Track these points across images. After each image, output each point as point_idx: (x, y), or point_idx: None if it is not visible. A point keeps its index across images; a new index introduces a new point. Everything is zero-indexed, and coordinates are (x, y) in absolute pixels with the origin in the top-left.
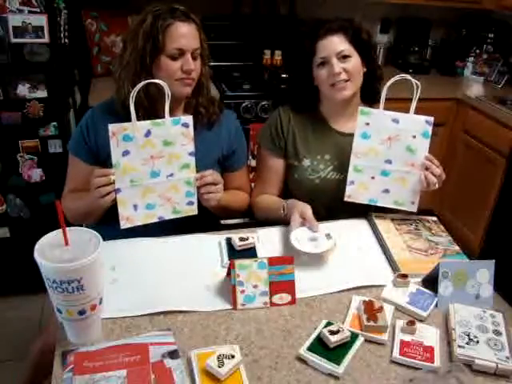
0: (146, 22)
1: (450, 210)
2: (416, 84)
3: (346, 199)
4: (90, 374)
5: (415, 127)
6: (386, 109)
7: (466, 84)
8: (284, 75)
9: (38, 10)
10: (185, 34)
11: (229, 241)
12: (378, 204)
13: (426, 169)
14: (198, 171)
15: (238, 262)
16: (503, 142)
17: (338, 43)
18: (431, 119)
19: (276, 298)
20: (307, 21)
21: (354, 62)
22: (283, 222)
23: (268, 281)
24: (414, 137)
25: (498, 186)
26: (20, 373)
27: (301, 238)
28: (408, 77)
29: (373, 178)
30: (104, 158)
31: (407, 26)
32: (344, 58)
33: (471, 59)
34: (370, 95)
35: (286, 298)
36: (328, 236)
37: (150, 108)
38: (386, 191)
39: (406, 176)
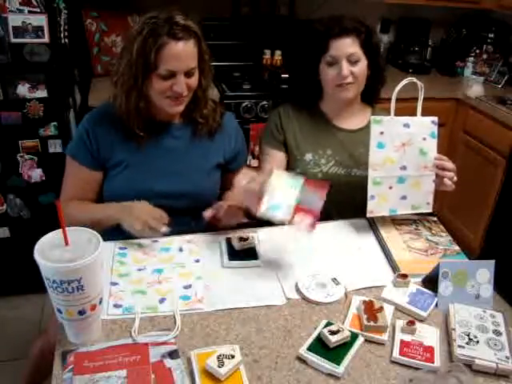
0: (140, 36)
1: (450, 210)
2: (421, 86)
3: (368, 215)
4: (90, 374)
5: (424, 129)
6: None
7: (466, 84)
8: (284, 75)
9: (38, 10)
10: (178, 55)
11: (229, 241)
12: (398, 213)
13: (438, 168)
14: (196, 178)
15: (276, 172)
16: (503, 141)
17: (350, 46)
18: (436, 119)
19: (297, 219)
20: (321, 18)
21: (362, 66)
22: None
23: (296, 200)
24: (424, 139)
25: (498, 186)
26: (20, 373)
27: (308, 285)
28: (414, 79)
29: (390, 187)
30: (103, 162)
31: (407, 25)
32: (354, 61)
33: (471, 59)
34: (370, 96)
35: (307, 220)
36: (335, 281)
37: (147, 117)
38: (404, 198)
39: (420, 179)
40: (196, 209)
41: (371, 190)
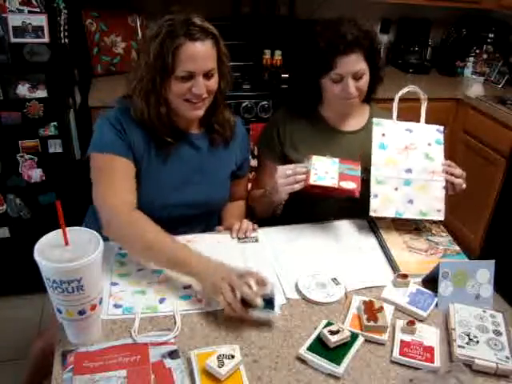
0: (157, 38)
1: (450, 210)
2: (424, 96)
3: (371, 214)
4: (90, 374)
5: (428, 135)
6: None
7: (466, 84)
8: (284, 75)
9: (38, 10)
10: (195, 56)
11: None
12: (404, 216)
13: (446, 173)
14: (211, 188)
15: (315, 156)
16: (503, 142)
17: (355, 63)
18: (441, 128)
19: (343, 183)
20: (323, 28)
21: (366, 78)
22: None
23: (338, 171)
24: (430, 144)
25: (498, 186)
26: (20, 373)
27: (308, 285)
28: (417, 89)
29: (396, 189)
30: (137, 157)
31: (407, 26)
32: (359, 77)
33: (471, 59)
34: (368, 95)
35: (352, 184)
36: (335, 281)
37: (169, 124)
38: (410, 202)
39: (427, 184)
40: (206, 215)
41: (374, 188)
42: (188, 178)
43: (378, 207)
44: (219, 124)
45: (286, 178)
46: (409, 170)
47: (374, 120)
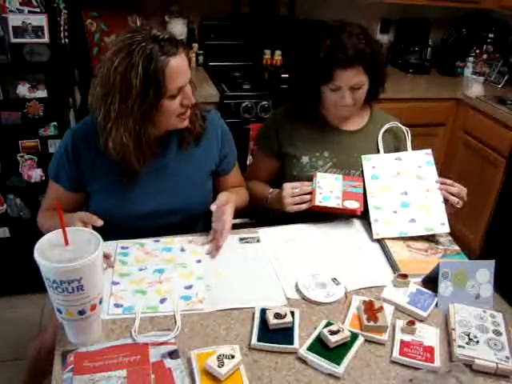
0: (137, 68)
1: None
2: (406, 130)
3: (375, 237)
4: (90, 374)
5: (418, 160)
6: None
7: (466, 84)
8: (284, 75)
9: (38, 10)
10: (180, 70)
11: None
12: (409, 235)
13: (442, 190)
14: (187, 193)
15: (319, 173)
16: (503, 142)
17: (354, 76)
18: (429, 150)
19: (347, 203)
20: (326, 35)
21: (364, 89)
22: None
23: (341, 190)
24: (420, 167)
25: (498, 186)
26: (20, 373)
27: (308, 285)
28: (398, 124)
29: (395, 212)
30: (85, 183)
31: (407, 26)
32: (356, 88)
33: (471, 59)
34: (371, 96)
35: (355, 204)
36: (335, 281)
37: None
38: (413, 220)
39: (425, 201)
40: (188, 222)
41: (373, 214)
42: (159, 186)
43: (380, 230)
44: (190, 121)
45: (292, 197)
46: (404, 193)
47: (364, 156)
